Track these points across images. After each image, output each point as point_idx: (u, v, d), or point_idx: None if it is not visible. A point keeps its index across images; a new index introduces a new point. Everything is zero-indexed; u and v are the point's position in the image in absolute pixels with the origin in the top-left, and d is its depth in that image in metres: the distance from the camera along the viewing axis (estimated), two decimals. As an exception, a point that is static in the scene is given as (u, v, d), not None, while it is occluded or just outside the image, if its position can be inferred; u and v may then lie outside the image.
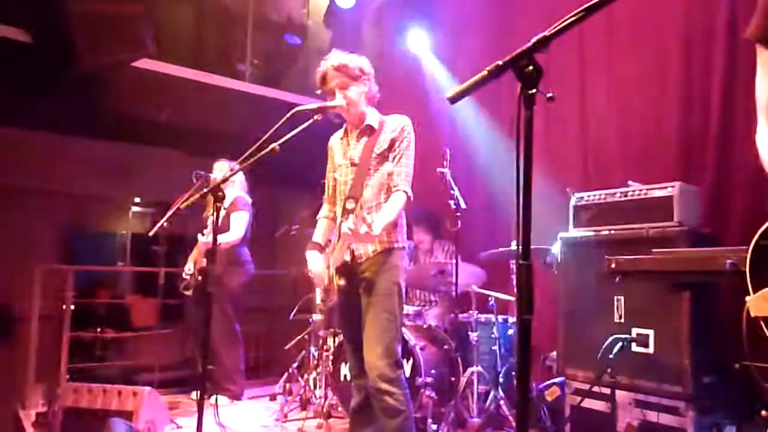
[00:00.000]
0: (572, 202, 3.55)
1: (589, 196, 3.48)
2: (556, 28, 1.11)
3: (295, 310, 4.24)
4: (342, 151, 2.78)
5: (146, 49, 4.45)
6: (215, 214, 2.44)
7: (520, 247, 1.06)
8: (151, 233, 3.98)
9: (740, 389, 2.88)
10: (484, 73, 1.11)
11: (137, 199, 7.54)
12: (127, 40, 4.39)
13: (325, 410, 3.80)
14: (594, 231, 3.39)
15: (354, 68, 2.65)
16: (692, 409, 2.82)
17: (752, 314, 1.42)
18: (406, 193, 2.57)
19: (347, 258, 2.53)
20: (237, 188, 4.64)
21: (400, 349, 2.56)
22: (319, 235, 2.84)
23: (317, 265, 2.69)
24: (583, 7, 1.11)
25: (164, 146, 6.13)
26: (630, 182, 3.36)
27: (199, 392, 2.41)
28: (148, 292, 6.05)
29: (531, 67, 1.09)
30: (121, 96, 5.14)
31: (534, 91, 1.08)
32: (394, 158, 2.61)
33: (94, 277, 5.94)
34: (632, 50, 3.96)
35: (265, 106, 5.65)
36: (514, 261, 3.80)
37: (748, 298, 1.44)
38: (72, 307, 4.35)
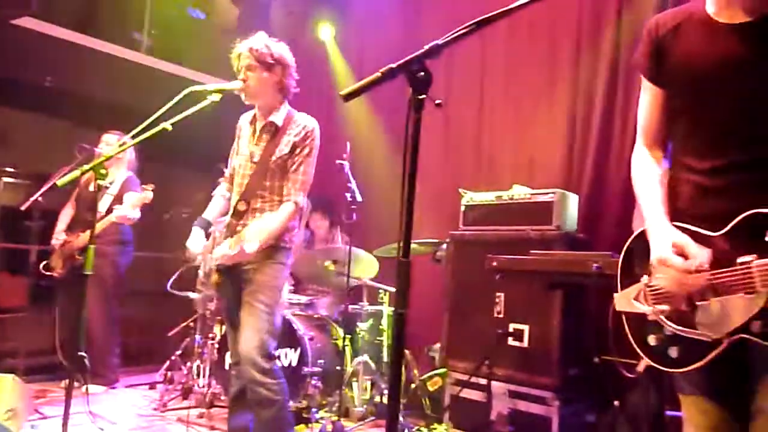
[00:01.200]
0: (463, 201, 3.71)
1: (478, 197, 3.65)
2: (449, 38, 1.16)
3: (171, 281, 4.07)
4: (246, 140, 2.70)
5: (29, 7, 4.07)
6: (96, 191, 2.29)
7: (401, 244, 1.11)
8: (23, 207, 3.67)
9: (600, 381, 3.16)
10: (378, 74, 1.14)
11: (10, 169, 6.90)
12: (8, -4, 4.01)
13: (207, 399, 3.71)
14: (481, 230, 3.57)
15: (268, 54, 2.56)
16: (558, 399, 3.06)
17: (617, 308, 1.57)
18: (297, 204, 2.55)
19: (230, 263, 2.50)
20: (124, 166, 4.38)
21: (275, 342, 2.55)
22: (210, 213, 2.77)
23: (197, 244, 2.63)
24: (473, 22, 1.17)
25: (46, 114, 5.65)
26: (516, 186, 3.58)
27: (66, 380, 2.27)
28: (17, 271, 5.57)
29: (422, 73, 1.13)
30: (0, 56, 4.68)
31: (423, 96, 1.12)
32: (292, 164, 2.57)
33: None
34: (527, 64, 4.22)
35: (162, 80, 5.37)
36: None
37: (616, 295, 1.59)
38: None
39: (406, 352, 3.86)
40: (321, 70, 5.50)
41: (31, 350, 4.50)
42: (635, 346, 1.51)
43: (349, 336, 3.77)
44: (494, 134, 4.35)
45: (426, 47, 1.14)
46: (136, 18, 5.64)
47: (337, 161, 3.65)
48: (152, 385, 4.44)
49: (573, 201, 3.47)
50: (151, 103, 2.67)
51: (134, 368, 4.84)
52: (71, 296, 4.13)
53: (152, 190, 3.82)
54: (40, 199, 3.44)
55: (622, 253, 1.61)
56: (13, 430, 2.66)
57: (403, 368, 1.16)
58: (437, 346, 3.77)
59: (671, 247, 1.37)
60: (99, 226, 3.88)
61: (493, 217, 3.54)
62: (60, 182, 2.24)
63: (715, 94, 1.39)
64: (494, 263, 2.88)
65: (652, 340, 1.45)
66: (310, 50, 5.53)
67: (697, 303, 1.34)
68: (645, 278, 1.48)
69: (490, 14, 1.17)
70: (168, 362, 4.27)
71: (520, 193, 3.51)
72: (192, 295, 4.08)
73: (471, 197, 3.67)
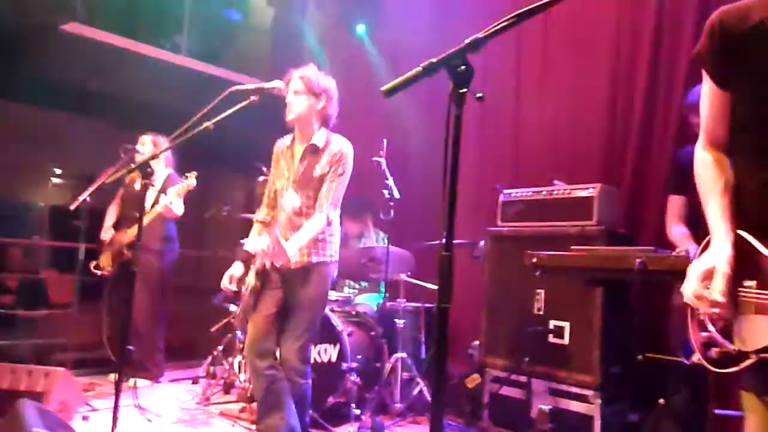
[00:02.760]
0: (501, 198, 3.67)
1: (516, 193, 3.61)
2: (490, 31, 1.15)
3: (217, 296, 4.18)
4: (286, 165, 2.84)
5: (75, 13, 4.22)
6: (142, 189, 2.36)
7: (444, 238, 1.11)
8: (72, 207, 3.80)
9: (643, 380, 3.10)
10: (419, 69, 1.14)
11: (58, 170, 7.14)
12: (55, 3, 4.15)
13: (249, 394, 3.78)
14: (519, 226, 3.53)
15: (316, 84, 2.74)
16: (600, 397, 3.01)
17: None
18: (328, 217, 2.70)
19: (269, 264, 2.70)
20: (163, 165, 4.49)
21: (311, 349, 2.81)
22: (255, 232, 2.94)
23: (259, 242, 2.77)
24: (514, 14, 1.16)
25: (91, 116, 5.84)
26: (555, 182, 3.52)
27: (114, 374, 2.34)
28: (66, 268, 5.78)
29: (463, 67, 1.13)
30: (48, 60, 4.86)
31: (465, 90, 1.12)
32: (327, 181, 2.73)
33: (8, 250, 5.61)
34: (565, 57, 4.14)
35: (201, 81, 5.49)
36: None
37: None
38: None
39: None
40: (357, 68, 5.52)
41: (79, 345, 4.66)
42: (692, 339, 1.45)
43: (387, 332, 3.78)
44: (531, 128, 4.28)
45: (467, 41, 1.14)
46: (175, 21, 5.77)
47: (374, 158, 3.66)
48: (195, 380, 4.54)
49: (614, 195, 3.40)
50: (191, 103, 2.75)
51: (178, 363, 4.96)
52: (119, 292, 4.26)
53: (196, 177, 3.91)
54: (87, 199, 3.55)
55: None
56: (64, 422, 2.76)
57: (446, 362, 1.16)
58: (475, 343, 3.75)
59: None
60: (146, 220, 3.99)
61: (531, 213, 3.50)
62: (108, 181, 2.32)
63: None
64: (534, 259, 2.84)
65: (701, 337, 1.42)
66: (346, 48, 5.57)
67: (740, 314, 1.31)
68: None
69: (532, 6, 1.15)
70: (210, 357, 4.36)
71: (558, 188, 3.46)
72: (232, 307, 4.17)
73: (510, 192, 3.63)
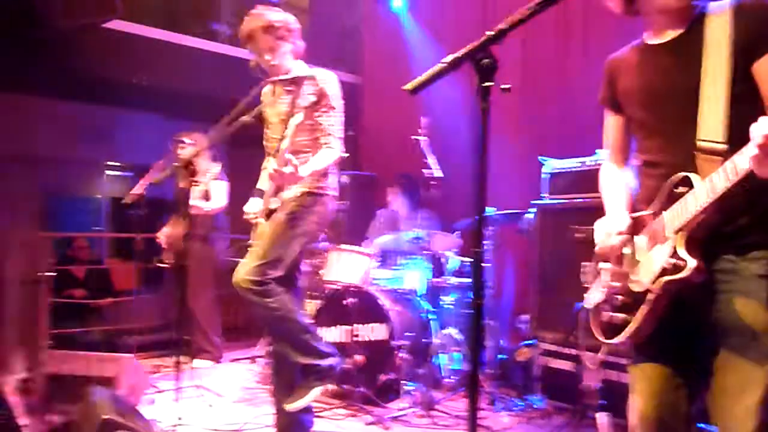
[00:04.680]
0: (546, 169, 3.60)
1: (561, 164, 3.53)
2: (512, 22, 1.13)
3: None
4: (271, 107, 2.77)
5: (116, 10, 4.33)
6: (189, 189, 2.45)
7: (475, 234, 1.11)
8: (126, 200, 3.96)
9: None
10: (443, 65, 1.13)
11: (114, 163, 7.44)
12: (97, 2, 4.27)
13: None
14: (567, 198, 3.46)
15: (281, 28, 2.66)
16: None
17: (587, 306, 1.74)
18: (336, 148, 2.61)
19: (274, 206, 2.59)
20: (208, 160, 4.60)
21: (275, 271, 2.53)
22: (263, 183, 2.85)
23: (253, 204, 2.74)
24: (538, 1, 1.13)
25: (140, 109, 6.04)
26: (600, 151, 3.41)
27: (176, 357, 2.47)
28: (128, 257, 6.06)
29: (487, 60, 1.11)
30: (94, 57, 5.02)
31: (490, 84, 1.10)
32: (321, 113, 2.61)
33: (73, 242, 5.92)
34: (608, 21, 3.95)
35: (243, 67, 5.54)
36: (488, 228, 3.88)
37: (587, 294, 1.75)
38: (52, 273, 4.35)
39: (492, 323, 3.87)
40: (398, 45, 5.46)
41: (144, 329, 4.92)
42: (597, 332, 1.66)
43: (434, 309, 3.81)
44: (576, 96, 4.16)
45: (490, 33, 1.11)
46: (213, 9, 5.84)
47: (413, 137, 3.64)
48: (253, 359, 4.72)
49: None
50: (234, 91, 2.79)
51: (235, 342, 5.16)
52: (176, 281, 4.44)
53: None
54: (142, 192, 3.70)
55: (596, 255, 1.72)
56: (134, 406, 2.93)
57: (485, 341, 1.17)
58: (524, 317, 3.74)
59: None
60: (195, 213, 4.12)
61: (578, 184, 3.42)
62: (156, 180, 2.41)
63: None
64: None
65: (606, 317, 1.61)
66: (385, 22, 5.51)
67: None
68: (602, 264, 1.67)
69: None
70: (267, 338, 4.51)
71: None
72: None
73: (554, 164, 3.55)
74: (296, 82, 2.65)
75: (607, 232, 1.63)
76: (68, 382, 3.07)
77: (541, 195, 3.62)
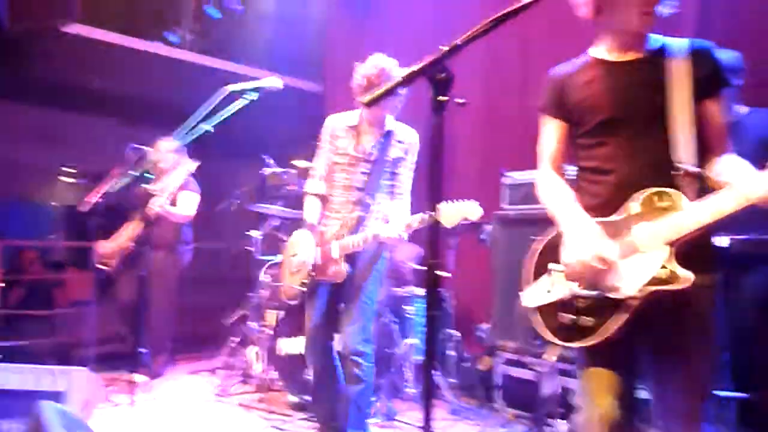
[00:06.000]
0: (505, 180, 3.66)
1: (522, 176, 3.59)
2: (467, 37, 1.15)
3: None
4: (352, 143, 2.82)
5: (74, 14, 4.23)
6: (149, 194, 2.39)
7: (431, 245, 1.12)
8: (82, 209, 3.85)
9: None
10: (399, 79, 1.14)
11: (68, 169, 7.22)
12: (55, 5, 4.17)
13: (266, 384, 3.86)
14: (526, 209, 3.52)
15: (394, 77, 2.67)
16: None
17: (525, 305, 1.88)
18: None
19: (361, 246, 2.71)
20: (171, 167, 4.49)
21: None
22: (313, 215, 2.89)
23: (307, 248, 2.78)
24: (493, 17, 1.15)
25: (96, 114, 5.90)
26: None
27: (130, 370, 2.40)
28: (83, 266, 5.89)
29: (443, 74, 1.13)
30: (51, 61, 4.91)
31: (445, 98, 1.12)
32: (405, 168, 2.86)
33: (23, 251, 5.72)
34: (572, 35, 4.03)
35: (204, 74, 5.49)
36: (450, 238, 3.92)
37: (523, 293, 1.91)
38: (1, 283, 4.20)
39: (455, 332, 3.90)
40: (358, 51, 5.46)
41: (100, 340, 4.76)
42: (549, 335, 1.73)
43: (396, 319, 3.81)
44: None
45: (444, 49, 1.13)
46: (173, 16, 5.76)
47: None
48: (212, 371, 4.62)
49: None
50: (194, 98, 2.76)
51: (195, 355, 5.05)
52: (127, 288, 4.31)
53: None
54: (98, 200, 3.60)
55: (536, 255, 1.88)
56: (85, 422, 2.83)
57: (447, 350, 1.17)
58: (484, 326, 3.77)
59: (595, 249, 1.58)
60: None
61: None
62: (115, 188, 2.36)
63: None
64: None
65: (566, 319, 1.66)
66: (349, 30, 5.50)
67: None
68: (553, 265, 1.75)
69: (509, 9, 1.14)
70: (228, 348, 4.44)
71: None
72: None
73: (514, 175, 3.62)
74: (389, 132, 2.82)
75: (588, 252, 1.61)
76: (14, 397, 2.95)
77: (501, 206, 3.68)
